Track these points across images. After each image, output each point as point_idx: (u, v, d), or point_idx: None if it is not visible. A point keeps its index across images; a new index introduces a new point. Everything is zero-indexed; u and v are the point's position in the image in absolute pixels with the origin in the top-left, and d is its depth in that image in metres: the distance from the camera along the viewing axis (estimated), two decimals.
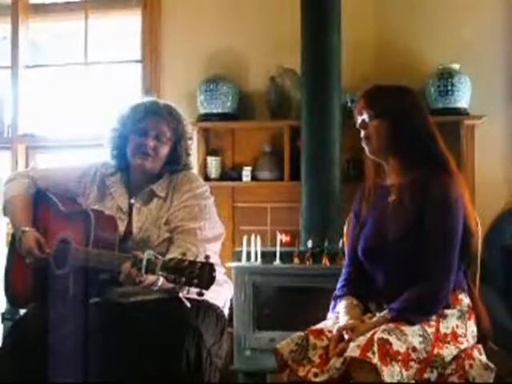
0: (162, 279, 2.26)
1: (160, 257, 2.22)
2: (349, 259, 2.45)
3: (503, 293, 2.58)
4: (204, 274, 2.09)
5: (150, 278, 2.28)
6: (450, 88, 4.19)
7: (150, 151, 2.59)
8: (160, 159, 2.63)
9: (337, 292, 2.40)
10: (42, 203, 2.74)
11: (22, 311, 2.72)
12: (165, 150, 2.63)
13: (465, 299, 2.26)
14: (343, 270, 2.47)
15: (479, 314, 2.28)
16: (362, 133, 2.34)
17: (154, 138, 2.60)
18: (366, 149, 2.35)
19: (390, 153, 2.32)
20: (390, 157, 2.33)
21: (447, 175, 2.24)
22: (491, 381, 2.15)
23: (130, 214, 2.64)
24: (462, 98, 4.24)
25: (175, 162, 2.67)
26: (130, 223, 2.62)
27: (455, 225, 2.21)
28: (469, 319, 2.24)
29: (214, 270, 2.10)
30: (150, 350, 2.34)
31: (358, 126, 2.35)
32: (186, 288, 2.14)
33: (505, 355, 2.45)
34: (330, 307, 2.41)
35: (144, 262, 2.22)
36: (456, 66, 4.27)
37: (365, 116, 2.32)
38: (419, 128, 2.30)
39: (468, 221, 2.25)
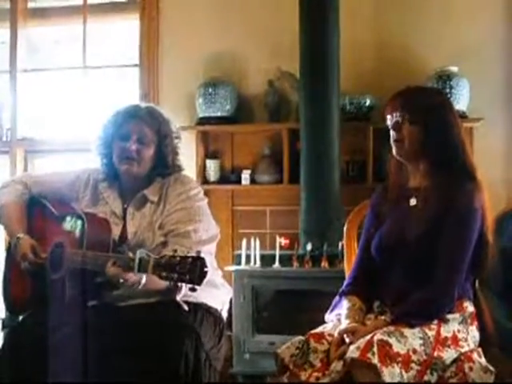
0: (144, 278, 2.28)
1: (152, 255, 2.23)
2: (360, 256, 2.43)
3: (502, 296, 2.58)
4: (195, 269, 2.09)
5: (134, 277, 2.29)
6: (448, 91, 4.18)
7: (134, 155, 2.58)
8: (145, 162, 2.61)
9: (344, 288, 2.39)
10: (36, 209, 2.74)
11: (21, 317, 2.71)
12: (149, 152, 2.61)
13: (469, 307, 2.26)
14: (353, 266, 2.46)
15: (484, 321, 2.29)
16: (394, 134, 2.32)
17: (136, 142, 2.59)
18: (395, 150, 2.33)
19: (421, 157, 2.31)
20: (419, 160, 2.32)
21: (473, 186, 2.24)
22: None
23: (124, 219, 2.64)
24: (461, 100, 4.24)
25: (163, 164, 2.65)
26: (124, 228, 2.62)
27: (470, 237, 2.21)
28: (471, 324, 2.23)
29: (205, 265, 2.10)
30: (149, 353, 2.34)
31: (390, 126, 2.33)
32: (180, 285, 2.14)
33: (505, 357, 2.44)
34: (333, 302, 2.40)
35: (136, 261, 2.23)
36: (454, 69, 4.27)
37: (398, 118, 2.30)
38: (453, 135, 2.30)
39: (485, 234, 2.24)
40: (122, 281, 2.31)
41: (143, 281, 2.31)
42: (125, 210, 2.65)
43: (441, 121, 2.29)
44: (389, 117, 2.33)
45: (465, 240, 2.20)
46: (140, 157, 2.59)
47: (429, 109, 2.29)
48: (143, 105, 2.71)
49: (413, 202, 2.33)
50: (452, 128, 2.30)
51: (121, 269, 2.29)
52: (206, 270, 2.10)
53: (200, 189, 2.69)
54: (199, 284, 2.10)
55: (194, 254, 2.12)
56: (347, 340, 2.11)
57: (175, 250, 2.18)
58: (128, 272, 2.29)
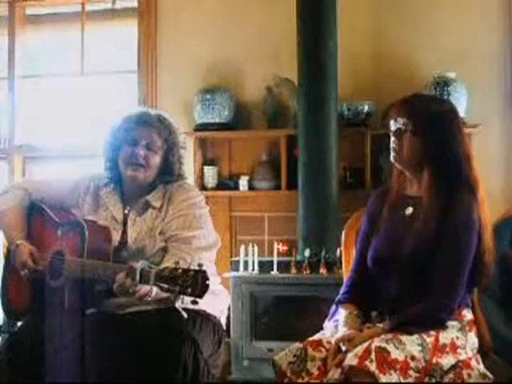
0: (155, 289, 2.25)
1: (154, 266, 2.22)
2: (356, 264, 2.42)
3: (501, 302, 2.58)
4: (197, 282, 2.08)
5: (144, 288, 2.27)
6: (446, 96, 4.19)
7: (142, 161, 2.58)
8: (152, 169, 2.61)
9: (340, 297, 2.37)
10: (35, 215, 2.73)
11: (20, 323, 2.71)
12: (156, 160, 2.61)
13: (468, 315, 2.25)
14: (349, 274, 2.44)
15: (480, 329, 2.28)
16: (394, 141, 2.29)
17: (144, 147, 2.59)
18: (392, 156, 2.30)
19: (422, 167, 2.27)
20: (419, 170, 2.28)
21: (472, 200, 2.22)
22: None
23: (124, 225, 2.63)
24: (458, 106, 4.20)
25: (168, 172, 2.65)
26: (124, 233, 2.61)
27: (468, 250, 2.19)
28: (469, 331, 2.23)
29: (207, 278, 2.10)
30: (147, 360, 2.33)
31: (391, 132, 2.29)
32: (181, 297, 2.13)
33: (504, 364, 2.44)
34: (330, 311, 2.39)
35: (138, 272, 2.22)
36: (452, 75, 4.28)
37: (401, 126, 2.26)
38: (457, 149, 2.25)
39: (483, 250, 2.22)
40: (131, 291, 2.28)
41: (153, 293, 2.28)
42: (126, 216, 2.64)
43: (444, 134, 2.24)
44: (392, 122, 2.29)
45: (464, 253, 2.19)
46: (147, 163, 2.59)
47: (434, 121, 2.24)
48: (153, 112, 2.71)
49: (409, 211, 2.31)
50: (456, 141, 2.25)
51: (135, 281, 2.25)
52: (207, 283, 2.09)
53: (202, 197, 2.68)
54: (201, 297, 2.10)
55: (196, 267, 2.11)
56: (343, 348, 2.11)
57: (177, 263, 2.17)
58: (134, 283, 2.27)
